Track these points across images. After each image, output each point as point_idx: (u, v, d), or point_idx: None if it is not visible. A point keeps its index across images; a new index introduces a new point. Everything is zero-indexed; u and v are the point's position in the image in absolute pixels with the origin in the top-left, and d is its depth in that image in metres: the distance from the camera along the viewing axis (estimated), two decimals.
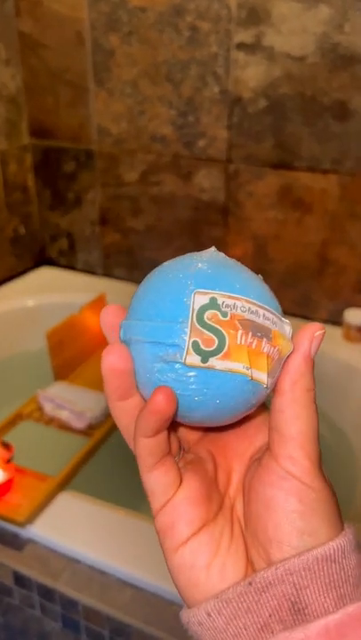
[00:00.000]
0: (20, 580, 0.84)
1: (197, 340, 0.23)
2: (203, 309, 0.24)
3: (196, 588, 0.25)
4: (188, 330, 0.24)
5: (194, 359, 0.24)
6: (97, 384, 1.12)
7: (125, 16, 1.30)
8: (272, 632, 0.23)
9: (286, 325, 0.25)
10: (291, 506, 0.24)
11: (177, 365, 0.24)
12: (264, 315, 0.24)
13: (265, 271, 1.39)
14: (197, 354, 0.23)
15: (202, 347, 0.23)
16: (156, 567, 0.77)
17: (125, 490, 1.00)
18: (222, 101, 1.29)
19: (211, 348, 0.24)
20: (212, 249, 0.26)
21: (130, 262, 1.55)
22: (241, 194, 1.36)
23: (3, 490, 0.86)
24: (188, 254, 0.26)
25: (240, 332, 0.24)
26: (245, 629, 0.23)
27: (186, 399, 0.24)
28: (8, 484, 0.87)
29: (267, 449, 0.26)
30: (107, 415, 0.99)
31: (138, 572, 0.79)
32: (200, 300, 0.24)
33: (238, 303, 0.24)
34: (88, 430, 0.96)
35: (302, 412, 0.25)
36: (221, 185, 1.37)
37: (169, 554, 0.26)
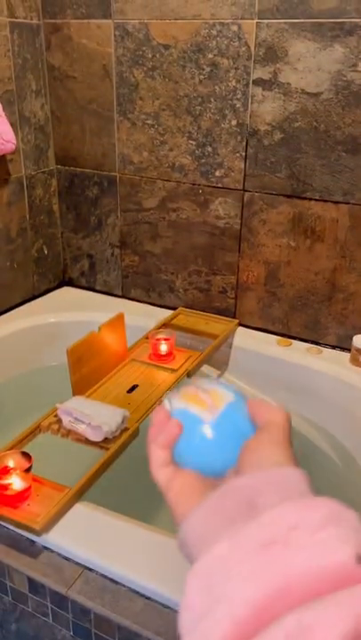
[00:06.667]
0: (34, 586, 0.85)
1: None
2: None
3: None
4: None
5: None
6: (113, 399, 1.15)
7: (150, 52, 1.37)
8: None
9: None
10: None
11: None
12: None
13: (276, 295, 1.43)
14: None
15: None
16: (167, 578, 0.77)
17: (139, 502, 1.00)
18: (239, 134, 1.33)
19: None
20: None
21: (147, 284, 1.59)
22: (255, 221, 1.39)
23: (21, 497, 0.87)
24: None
25: None
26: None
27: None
28: (26, 493, 0.88)
29: None
30: (122, 429, 1.02)
31: (150, 582, 0.79)
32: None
33: None
34: (104, 443, 0.98)
35: None
36: (237, 212, 1.41)
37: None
